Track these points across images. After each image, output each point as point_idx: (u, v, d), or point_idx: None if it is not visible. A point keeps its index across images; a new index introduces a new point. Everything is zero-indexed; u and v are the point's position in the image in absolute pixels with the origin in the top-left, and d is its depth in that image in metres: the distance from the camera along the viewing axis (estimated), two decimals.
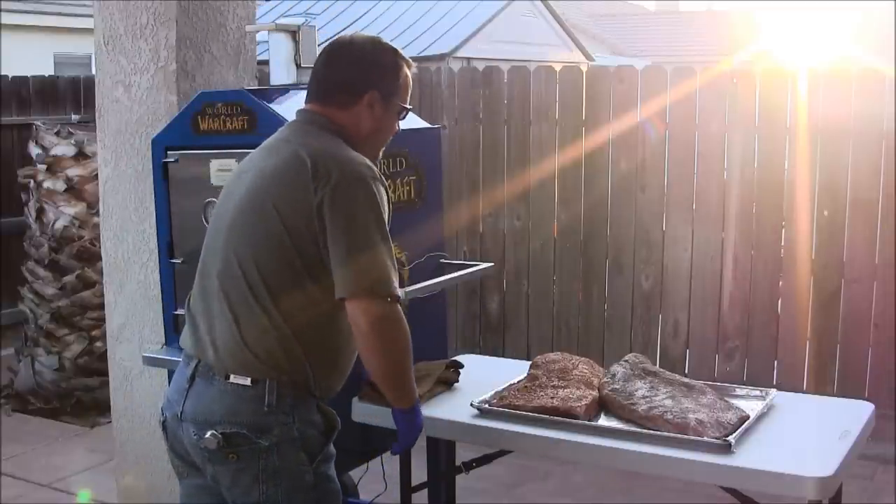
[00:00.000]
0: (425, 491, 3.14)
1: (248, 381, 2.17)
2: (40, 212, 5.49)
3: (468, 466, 3.06)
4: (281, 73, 3.20)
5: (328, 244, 2.16)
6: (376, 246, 2.17)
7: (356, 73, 2.34)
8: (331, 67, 2.38)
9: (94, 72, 3.80)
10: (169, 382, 2.44)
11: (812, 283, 4.76)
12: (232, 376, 2.18)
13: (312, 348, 2.22)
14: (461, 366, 2.99)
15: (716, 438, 2.37)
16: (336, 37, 2.44)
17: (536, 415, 2.58)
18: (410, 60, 2.44)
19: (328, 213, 2.15)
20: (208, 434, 2.16)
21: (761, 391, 2.75)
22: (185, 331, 2.35)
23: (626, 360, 2.82)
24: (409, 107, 2.44)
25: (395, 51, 2.40)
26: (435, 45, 11.42)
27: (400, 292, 2.22)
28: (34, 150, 5.61)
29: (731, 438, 2.35)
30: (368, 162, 2.26)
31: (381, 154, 2.48)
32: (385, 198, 2.24)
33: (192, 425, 2.20)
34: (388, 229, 2.22)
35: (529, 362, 2.97)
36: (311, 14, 12.21)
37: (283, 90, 3.16)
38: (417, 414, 2.40)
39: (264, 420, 2.17)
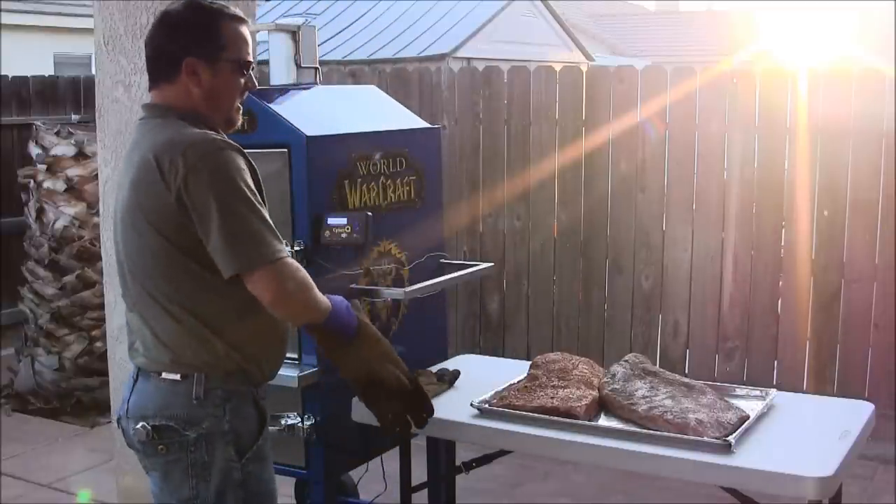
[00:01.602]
0: (425, 491, 3.14)
1: (177, 377, 2.20)
2: (40, 212, 5.49)
3: (468, 466, 3.07)
4: (281, 73, 3.20)
5: (200, 234, 2.11)
6: (241, 216, 2.10)
7: (168, 44, 2.24)
8: (149, 45, 2.28)
9: (94, 72, 3.79)
10: None
11: (812, 283, 4.76)
12: (164, 373, 2.21)
13: (238, 340, 2.21)
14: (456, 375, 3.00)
15: (716, 438, 2.37)
16: None
17: (536, 415, 2.58)
18: (239, 13, 2.28)
19: (188, 204, 2.09)
20: (139, 426, 2.20)
21: (761, 391, 2.75)
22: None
23: (626, 360, 2.82)
24: (249, 59, 2.28)
25: (210, 10, 2.25)
26: (435, 45, 11.42)
27: (284, 249, 2.15)
28: (34, 150, 5.61)
29: (731, 438, 2.35)
30: (212, 135, 2.16)
31: (239, 117, 2.32)
32: (241, 161, 2.15)
33: (132, 421, 2.25)
34: (251, 191, 2.13)
35: (529, 362, 2.97)
36: (311, 14, 12.21)
37: (283, 90, 3.16)
38: (337, 307, 2.31)
39: (195, 413, 2.19)
